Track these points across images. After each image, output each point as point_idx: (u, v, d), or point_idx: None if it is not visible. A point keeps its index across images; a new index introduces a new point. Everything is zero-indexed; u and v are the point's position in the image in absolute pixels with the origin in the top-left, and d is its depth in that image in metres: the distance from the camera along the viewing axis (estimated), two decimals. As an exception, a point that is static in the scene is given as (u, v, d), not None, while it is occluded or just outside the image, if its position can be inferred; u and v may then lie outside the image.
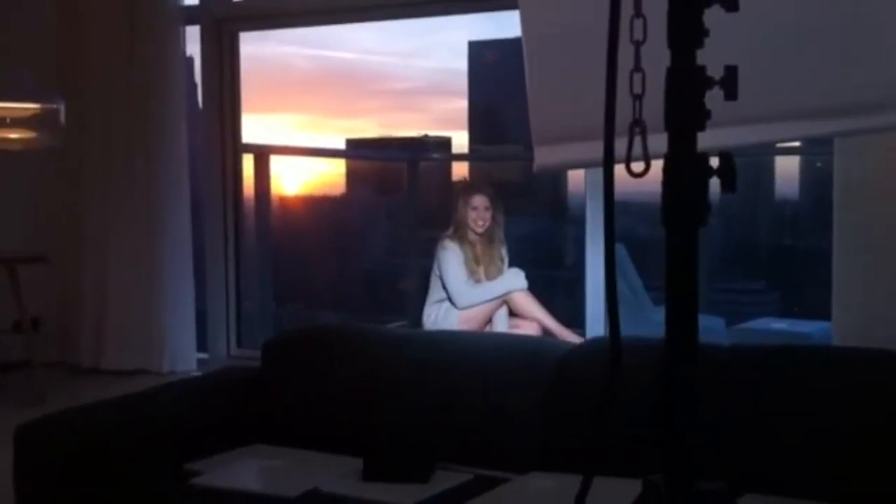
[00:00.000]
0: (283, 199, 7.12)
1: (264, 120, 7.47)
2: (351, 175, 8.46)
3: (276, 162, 5.84)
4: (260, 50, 6.43)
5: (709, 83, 1.31)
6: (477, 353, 3.03)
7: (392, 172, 8.16)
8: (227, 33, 5.38)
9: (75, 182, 5.37)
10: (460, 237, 4.92)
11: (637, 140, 1.34)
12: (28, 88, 4.83)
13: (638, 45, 1.33)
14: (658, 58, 1.32)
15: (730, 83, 1.30)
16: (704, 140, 1.34)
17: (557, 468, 2.61)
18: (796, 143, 5.90)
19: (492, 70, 8.80)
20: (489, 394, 2.86)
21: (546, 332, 4.79)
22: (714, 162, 1.34)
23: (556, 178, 7.42)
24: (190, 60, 5.53)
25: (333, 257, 8.29)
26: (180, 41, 5.27)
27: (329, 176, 8.42)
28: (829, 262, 3.49)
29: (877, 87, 2.06)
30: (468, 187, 5.10)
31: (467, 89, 8.62)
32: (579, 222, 5.13)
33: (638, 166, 1.36)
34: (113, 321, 5.28)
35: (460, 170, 8.65)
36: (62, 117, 4.91)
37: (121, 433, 2.83)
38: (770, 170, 7.18)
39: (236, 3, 5.51)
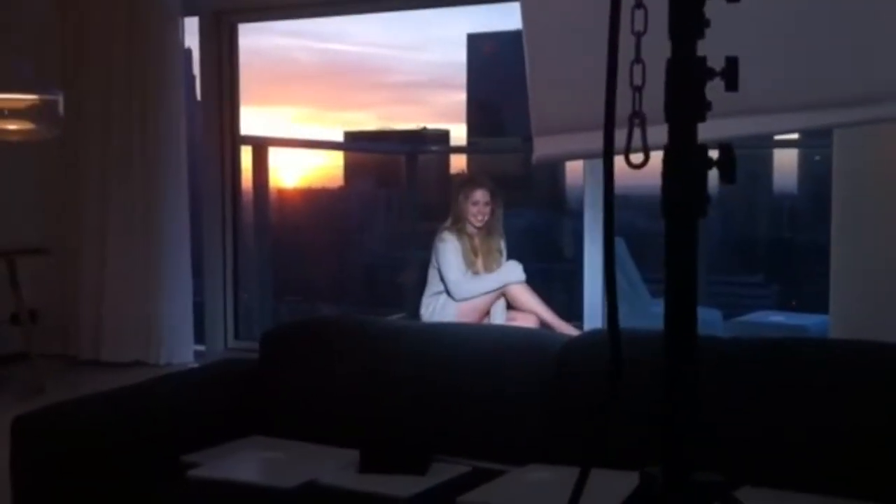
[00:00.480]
0: (281, 192, 7.11)
1: (263, 112, 7.46)
2: (349, 168, 8.45)
3: (274, 154, 5.83)
4: (258, 42, 6.42)
5: (709, 74, 1.31)
6: (475, 344, 3.03)
7: (390, 165, 8.15)
8: (225, 25, 5.37)
9: (74, 174, 5.36)
10: (459, 229, 4.92)
11: (637, 131, 1.34)
12: (27, 79, 4.82)
13: (639, 35, 1.33)
14: (659, 49, 1.32)
15: (731, 74, 1.30)
16: (704, 131, 1.34)
17: (555, 460, 2.62)
18: (794, 137, 5.90)
19: (491, 63, 8.79)
20: (487, 386, 2.86)
21: (544, 324, 4.79)
22: (713, 153, 1.34)
23: (555, 170, 7.41)
24: (188, 52, 5.52)
25: (331, 250, 8.28)
26: (179, 32, 5.26)
27: (327, 168, 8.41)
28: (827, 256, 3.49)
29: (877, 79, 2.05)
30: (468, 181, 5.08)
31: (466, 82, 8.61)
32: (577, 215, 5.13)
33: (637, 157, 1.36)
34: (111, 313, 5.28)
35: (458, 162, 8.64)
36: (61, 108, 4.90)
37: (119, 425, 2.83)
38: (768, 163, 7.18)
39: (235, -6, 5.51)
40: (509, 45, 7.48)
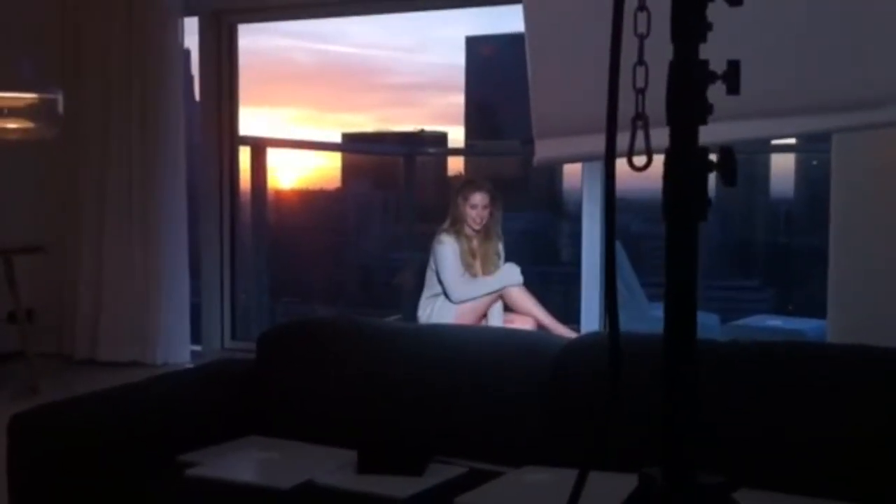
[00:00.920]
0: (278, 193, 7.11)
1: (261, 113, 7.45)
2: (347, 169, 8.45)
3: (272, 155, 5.84)
4: (257, 43, 6.42)
5: (711, 77, 1.31)
6: (473, 346, 3.04)
7: (388, 167, 8.15)
8: (225, 25, 5.37)
9: (71, 173, 5.36)
10: (457, 231, 4.92)
11: (639, 134, 1.34)
12: (27, 78, 4.82)
13: (641, 38, 1.33)
14: (661, 51, 1.32)
15: (732, 77, 1.30)
16: (705, 134, 1.34)
17: (553, 462, 2.62)
18: (792, 141, 5.91)
19: (489, 65, 8.80)
20: (485, 387, 2.86)
21: (541, 327, 4.80)
22: (713, 156, 1.34)
23: (552, 173, 7.42)
24: (187, 52, 5.52)
25: (328, 251, 8.28)
26: (178, 32, 5.26)
27: (325, 170, 8.41)
28: (824, 261, 3.50)
29: (879, 83, 2.06)
30: (467, 184, 5.09)
31: (464, 84, 8.61)
32: (574, 218, 5.13)
33: (639, 160, 1.36)
34: (108, 313, 5.28)
35: (456, 165, 8.64)
36: (60, 107, 4.90)
37: (115, 424, 2.83)
38: (766, 168, 7.18)
39: (234, -6, 5.51)
40: (508, 49, 7.49)
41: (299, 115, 8.85)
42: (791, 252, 7.12)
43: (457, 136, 8.89)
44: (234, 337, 5.46)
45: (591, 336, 3.14)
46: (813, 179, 6.65)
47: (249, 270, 5.68)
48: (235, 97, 5.40)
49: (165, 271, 5.23)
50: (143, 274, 5.23)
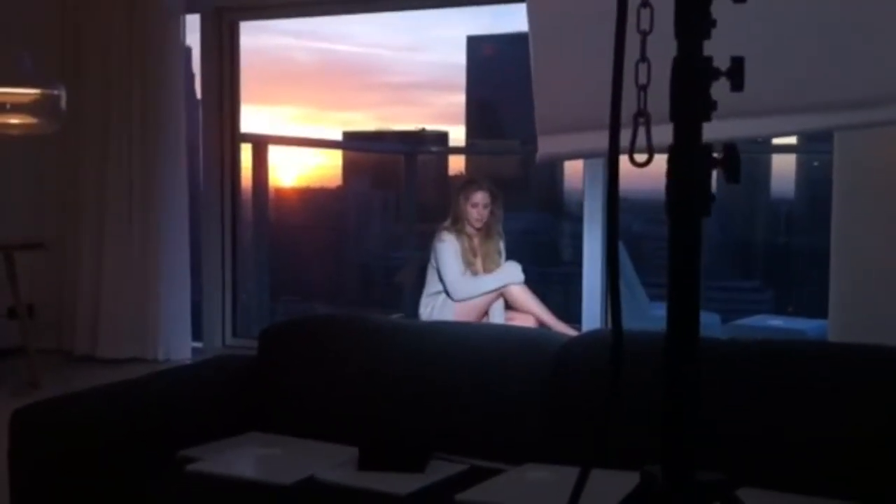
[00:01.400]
0: (280, 191, 7.12)
1: (262, 112, 7.46)
2: (348, 167, 8.46)
3: (273, 153, 5.84)
4: (258, 42, 6.42)
5: (715, 74, 1.31)
6: (474, 343, 3.03)
7: (389, 165, 8.15)
8: (226, 23, 5.38)
9: (73, 170, 5.37)
10: (458, 230, 4.93)
11: (641, 130, 1.34)
12: (29, 74, 4.82)
13: (644, 34, 1.33)
14: (664, 48, 1.32)
15: (736, 74, 1.30)
16: (709, 131, 1.34)
17: (554, 459, 2.62)
18: (793, 141, 5.92)
19: (490, 65, 8.80)
20: (486, 384, 2.86)
21: (542, 325, 4.79)
22: (717, 154, 1.34)
23: (553, 172, 7.43)
24: (189, 50, 5.52)
25: (329, 250, 8.28)
26: (180, 30, 5.27)
27: (326, 168, 8.42)
28: (825, 261, 3.50)
29: (883, 82, 2.06)
30: (469, 183, 5.09)
31: (465, 84, 8.62)
32: (575, 218, 5.13)
33: (641, 157, 1.36)
34: (108, 309, 5.28)
35: (457, 164, 8.65)
36: (63, 103, 4.91)
37: (116, 420, 2.83)
38: (767, 168, 7.19)
39: (236, -8, 5.51)
40: (509, 48, 7.49)
41: (300, 114, 8.86)
42: (792, 253, 7.12)
43: (458, 135, 8.91)
44: (234, 334, 5.46)
45: (592, 333, 3.14)
46: (814, 180, 6.66)
47: (250, 268, 5.68)
48: (237, 95, 5.40)
49: (166, 268, 5.23)
50: (144, 270, 5.23)
